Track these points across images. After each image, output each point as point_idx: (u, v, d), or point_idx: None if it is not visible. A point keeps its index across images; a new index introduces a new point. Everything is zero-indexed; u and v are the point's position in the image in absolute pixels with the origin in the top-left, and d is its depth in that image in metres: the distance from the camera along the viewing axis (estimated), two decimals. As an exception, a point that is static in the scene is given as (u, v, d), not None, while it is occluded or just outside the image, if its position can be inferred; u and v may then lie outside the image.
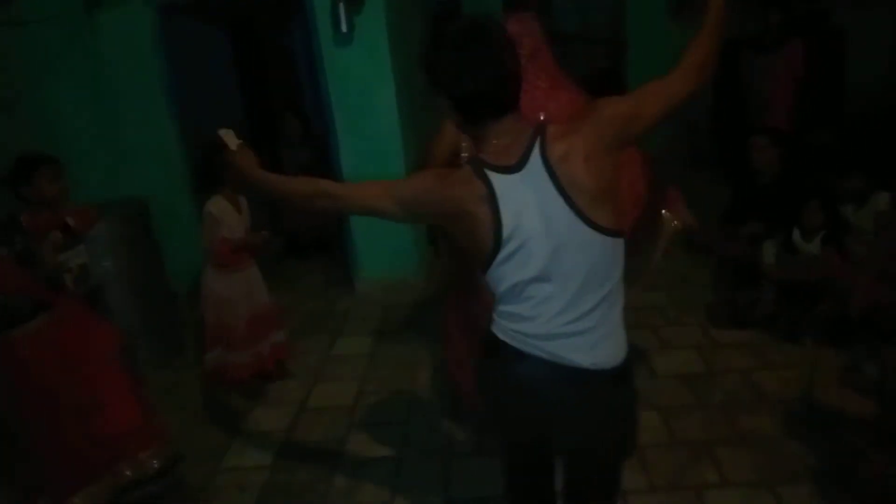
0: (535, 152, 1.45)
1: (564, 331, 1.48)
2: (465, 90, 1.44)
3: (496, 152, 1.48)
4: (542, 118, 2.35)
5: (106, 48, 4.31)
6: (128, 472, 2.56)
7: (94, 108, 4.26)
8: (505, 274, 1.49)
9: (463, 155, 2.42)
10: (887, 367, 2.62)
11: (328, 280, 4.84)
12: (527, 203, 1.44)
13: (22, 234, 2.44)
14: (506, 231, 1.45)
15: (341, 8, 3.87)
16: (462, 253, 1.94)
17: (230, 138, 1.97)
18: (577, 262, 1.45)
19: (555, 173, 1.43)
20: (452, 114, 1.51)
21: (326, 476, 2.77)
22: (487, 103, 1.45)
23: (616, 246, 1.49)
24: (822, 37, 5.40)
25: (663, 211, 2.65)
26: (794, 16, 4.70)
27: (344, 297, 4.54)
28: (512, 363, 1.55)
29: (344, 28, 3.92)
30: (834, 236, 3.38)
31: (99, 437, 2.50)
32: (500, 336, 1.57)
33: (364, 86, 4.16)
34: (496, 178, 1.45)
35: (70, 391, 2.45)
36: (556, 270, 1.46)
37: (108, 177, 4.24)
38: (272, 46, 6.45)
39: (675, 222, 2.63)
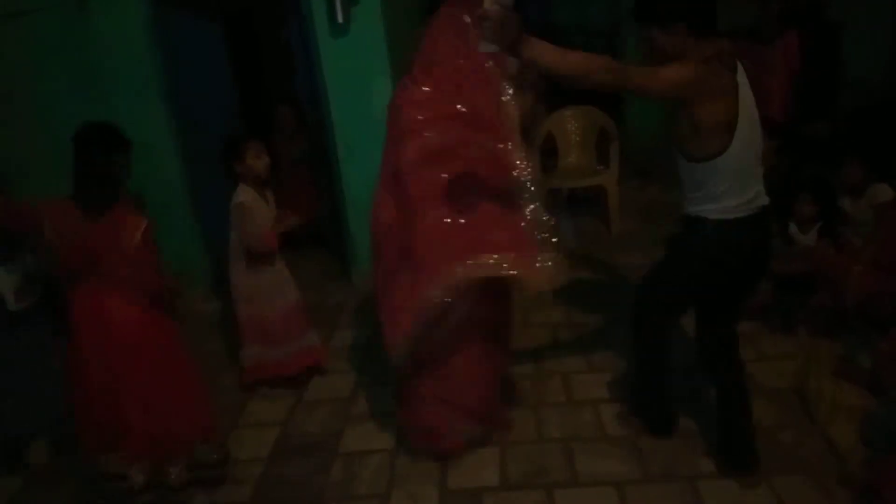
0: (737, 62, 2.13)
1: (757, 189, 2.21)
2: (711, 12, 2.11)
3: (719, 57, 2.08)
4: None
5: (100, 40, 4.28)
6: (186, 458, 2.70)
7: (89, 100, 4.24)
8: (734, 155, 2.11)
9: None
10: (880, 357, 2.64)
11: (324, 273, 4.84)
12: (747, 97, 2.13)
13: None
14: (740, 116, 2.09)
15: (337, -1, 3.85)
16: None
17: None
18: (758, 143, 2.20)
19: (746, 79, 2.14)
20: (691, 38, 2.07)
21: (323, 468, 2.78)
22: (713, 22, 2.11)
23: None
24: (818, 29, 5.39)
25: None
26: (791, 7, 4.68)
27: (340, 289, 4.54)
28: (733, 227, 2.20)
29: (340, 19, 3.90)
30: (830, 228, 3.39)
31: (172, 420, 2.62)
32: (705, 215, 2.21)
33: (360, 77, 4.13)
34: (736, 76, 2.11)
35: (155, 366, 2.58)
36: (754, 149, 2.18)
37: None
38: (267, 37, 6.41)
39: None
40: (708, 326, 2.48)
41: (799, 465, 2.51)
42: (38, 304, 2.84)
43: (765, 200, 2.24)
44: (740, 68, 2.13)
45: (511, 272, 2.32)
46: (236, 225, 3.12)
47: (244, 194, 3.09)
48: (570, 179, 5.25)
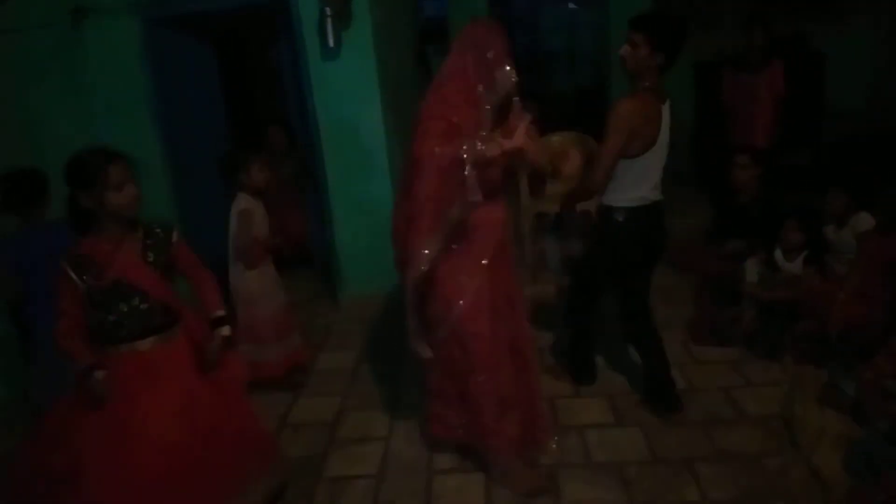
0: (667, 97, 2.72)
1: (655, 191, 2.80)
2: (676, 59, 2.66)
3: (655, 90, 2.68)
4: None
5: (91, 60, 4.30)
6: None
7: (77, 119, 4.24)
8: (646, 163, 2.71)
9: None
10: (862, 385, 2.65)
11: (311, 294, 4.82)
12: (667, 124, 2.73)
13: None
14: (659, 139, 2.70)
15: (329, 23, 3.88)
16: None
17: None
18: (664, 157, 2.78)
19: (670, 111, 2.75)
20: (658, 66, 2.64)
21: (307, 492, 2.74)
22: (672, 65, 2.67)
23: None
24: (802, 60, 5.50)
25: None
26: (775, 38, 4.78)
27: (327, 311, 4.52)
28: (636, 215, 2.78)
29: (331, 43, 3.93)
30: (816, 256, 3.42)
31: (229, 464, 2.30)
32: (618, 205, 2.78)
33: (351, 101, 4.17)
34: (663, 107, 2.71)
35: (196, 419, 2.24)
36: (661, 161, 2.77)
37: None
38: (258, 59, 6.45)
39: None
40: (625, 300, 3.03)
41: (783, 493, 2.51)
42: None
43: (659, 197, 2.83)
44: (668, 103, 2.73)
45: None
46: (236, 230, 3.30)
47: (246, 202, 3.30)
48: (558, 204, 5.27)
